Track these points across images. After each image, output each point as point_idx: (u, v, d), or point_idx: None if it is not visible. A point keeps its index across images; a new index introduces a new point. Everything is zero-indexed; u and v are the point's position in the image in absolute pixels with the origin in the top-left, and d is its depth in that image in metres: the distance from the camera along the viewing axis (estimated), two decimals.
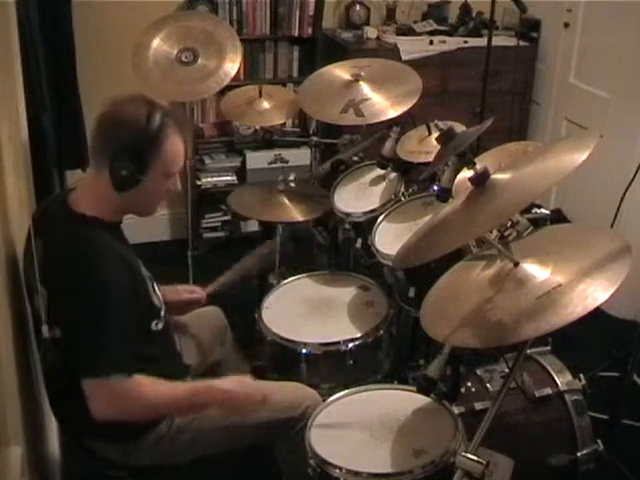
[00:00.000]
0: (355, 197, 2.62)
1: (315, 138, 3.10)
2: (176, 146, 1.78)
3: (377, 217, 2.43)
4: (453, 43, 3.86)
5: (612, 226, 2.40)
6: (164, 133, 1.74)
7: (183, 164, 1.85)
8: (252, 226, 3.94)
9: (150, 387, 1.72)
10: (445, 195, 2.03)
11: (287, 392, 2.01)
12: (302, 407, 1.94)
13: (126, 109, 1.74)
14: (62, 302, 1.70)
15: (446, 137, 1.75)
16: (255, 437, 1.98)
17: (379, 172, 2.63)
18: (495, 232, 1.77)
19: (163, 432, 1.85)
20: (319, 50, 3.80)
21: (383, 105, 2.56)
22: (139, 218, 1.89)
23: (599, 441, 1.99)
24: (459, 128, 2.01)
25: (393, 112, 2.53)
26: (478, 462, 1.47)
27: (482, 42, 3.41)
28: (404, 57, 3.70)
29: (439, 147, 1.84)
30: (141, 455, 1.87)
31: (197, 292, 2.22)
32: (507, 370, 1.95)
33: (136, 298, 1.77)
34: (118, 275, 1.71)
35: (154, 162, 1.74)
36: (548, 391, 1.99)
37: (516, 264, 1.50)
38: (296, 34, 3.76)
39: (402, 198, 2.47)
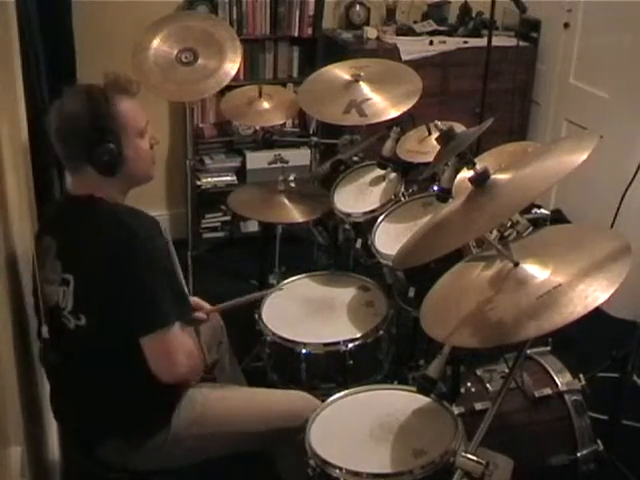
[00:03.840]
0: (355, 197, 2.62)
1: (315, 138, 3.10)
2: (129, 105, 1.81)
3: (377, 217, 2.43)
4: (453, 43, 3.86)
5: (612, 226, 2.40)
6: (109, 99, 1.76)
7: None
8: (252, 226, 3.94)
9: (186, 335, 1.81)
10: (445, 195, 2.03)
11: (288, 401, 2.00)
12: (303, 417, 1.89)
13: (66, 106, 1.78)
14: (102, 278, 1.72)
15: (446, 137, 1.75)
16: (255, 445, 1.97)
17: (379, 172, 2.62)
18: (495, 232, 1.77)
19: (162, 440, 1.84)
20: (319, 50, 3.80)
21: (383, 105, 2.56)
22: None
23: (599, 441, 1.99)
24: (459, 128, 2.02)
25: (393, 112, 2.52)
26: (478, 462, 1.47)
27: (482, 42, 3.41)
28: (404, 57, 3.70)
29: (439, 147, 1.84)
30: (141, 461, 1.86)
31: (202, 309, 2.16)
32: (507, 370, 1.95)
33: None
34: (160, 239, 1.79)
35: (120, 130, 1.77)
36: (548, 391, 2.00)
37: (516, 264, 1.50)
38: (296, 34, 3.76)
39: (402, 198, 2.47)
